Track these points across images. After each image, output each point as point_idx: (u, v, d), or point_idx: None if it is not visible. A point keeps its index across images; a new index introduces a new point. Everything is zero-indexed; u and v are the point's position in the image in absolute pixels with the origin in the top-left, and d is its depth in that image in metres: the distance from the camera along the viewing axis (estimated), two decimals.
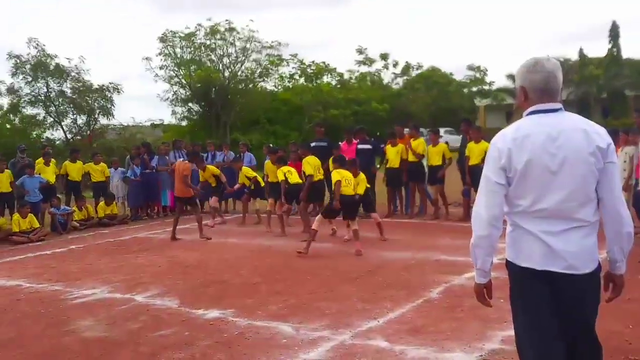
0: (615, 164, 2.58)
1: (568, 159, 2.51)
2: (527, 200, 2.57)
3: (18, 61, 24.21)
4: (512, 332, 2.84)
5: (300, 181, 9.92)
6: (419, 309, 5.54)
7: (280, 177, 9.92)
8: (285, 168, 9.99)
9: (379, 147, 12.04)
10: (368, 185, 9.45)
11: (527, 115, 2.66)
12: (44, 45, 24.40)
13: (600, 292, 2.66)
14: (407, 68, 39.34)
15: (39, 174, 12.06)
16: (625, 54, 46.50)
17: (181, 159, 12.05)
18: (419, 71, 39.55)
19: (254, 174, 11.84)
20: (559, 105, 2.62)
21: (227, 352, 4.64)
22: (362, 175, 9.20)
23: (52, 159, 12.81)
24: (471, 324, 5.02)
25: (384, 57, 37.84)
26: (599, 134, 2.55)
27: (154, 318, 5.68)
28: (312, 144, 12.33)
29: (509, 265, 2.70)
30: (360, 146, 11.68)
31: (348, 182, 8.59)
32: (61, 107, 25.50)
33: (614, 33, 46.11)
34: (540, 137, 2.53)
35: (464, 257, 7.46)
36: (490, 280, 2.77)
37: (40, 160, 12.57)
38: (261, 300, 6.07)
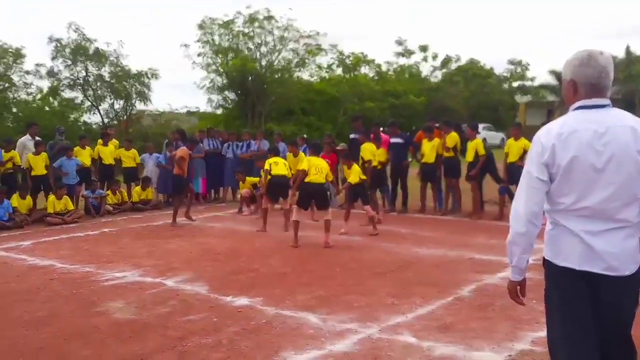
0: None
1: (615, 157, 2.41)
2: (569, 198, 2.48)
3: (58, 45, 24.60)
4: (543, 334, 2.76)
5: (285, 173, 9.65)
6: (449, 306, 5.44)
7: (266, 166, 9.71)
8: (273, 159, 9.79)
9: (411, 140, 11.90)
10: (363, 177, 9.50)
11: (574, 110, 2.56)
12: (83, 29, 24.76)
13: (639, 296, 2.56)
14: (446, 61, 38.73)
15: (76, 156, 12.25)
16: None
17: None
18: (459, 64, 38.90)
19: (257, 179, 11.89)
20: (607, 101, 2.53)
21: (254, 340, 4.63)
22: (355, 167, 9.44)
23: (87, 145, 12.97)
24: (502, 324, 4.91)
25: (424, 49, 37.33)
26: None
27: (183, 303, 5.70)
28: (351, 136, 12.31)
29: (547, 264, 2.61)
30: (392, 140, 11.54)
31: (318, 170, 8.50)
32: (99, 92, 25.84)
33: None
34: (587, 134, 2.44)
35: (497, 257, 7.34)
36: (525, 278, 2.69)
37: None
38: (289, 290, 6.04)
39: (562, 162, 2.46)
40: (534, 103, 43.01)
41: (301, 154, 10.87)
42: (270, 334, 4.76)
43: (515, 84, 40.30)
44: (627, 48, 44.47)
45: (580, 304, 2.49)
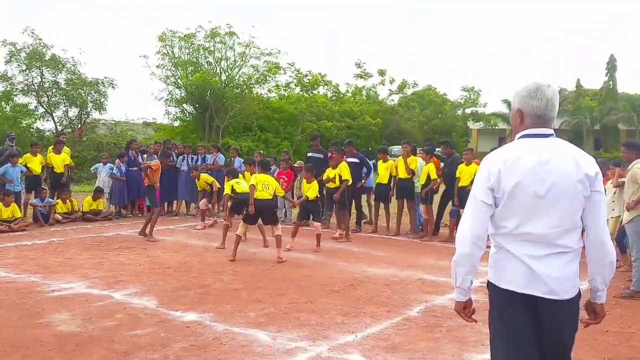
0: (601, 193, 2.59)
1: (556, 185, 2.51)
2: (512, 222, 2.56)
3: (13, 49, 23.99)
4: (488, 356, 2.82)
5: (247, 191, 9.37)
6: (397, 326, 5.51)
7: (227, 190, 9.65)
8: (233, 181, 9.67)
9: (366, 160, 12.04)
10: (318, 195, 9.77)
11: (520, 138, 2.67)
12: (40, 34, 24.28)
13: (579, 320, 2.66)
14: (403, 85, 39.46)
15: (26, 163, 11.92)
16: (621, 88, 47.17)
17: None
18: (415, 89, 39.67)
19: (212, 179, 12.16)
20: (551, 131, 2.64)
21: (202, 356, 4.59)
22: (314, 183, 9.67)
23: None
24: (448, 345, 5.00)
25: (382, 72, 37.96)
26: (588, 162, 2.56)
27: (131, 317, 5.61)
28: (309, 154, 12.41)
29: (490, 286, 2.69)
30: (348, 160, 11.68)
31: (265, 186, 8.63)
32: (54, 98, 25.28)
33: (611, 66, 46.76)
34: (531, 161, 2.54)
35: (446, 278, 7.48)
36: (470, 299, 2.75)
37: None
38: (240, 307, 6.02)
39: (506, 187, 2.54)
40: (486, 130, 44.20)
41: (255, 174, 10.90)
42: (219, 351, 4.73)
43: (468, 111, 41.29)
44: (578, 81, 46.22)
45: (522, 326, 2.57)
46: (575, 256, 2.58)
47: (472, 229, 2.60)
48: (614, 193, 8.12)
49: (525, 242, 2.55)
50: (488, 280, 2.71)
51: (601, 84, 47.22)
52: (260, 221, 9.11)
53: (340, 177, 10.80)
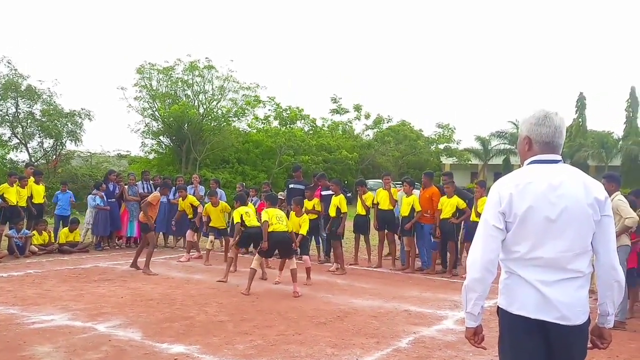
0: (611, 217, 2.64)
1: (568, 209, 2.55)
2: (524, 247, 2.59)
3: None
4: None
5: (258, 224, 9.23)
6: (388, 357, 5.47)
7: (237, 219, 9.48)
8: (242, 209, 9.52)
9: (342, 193, 12.04)
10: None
11: (529, 164, 2.71)
12: (15, 64, 24.06)
13: (587, 346, 2.68)
14: (378, 121, 39.97)
15: (2, 193, 11.69)
16: (590, 125, 48.39)
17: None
18: (390, 124, 40.18)
19: (198, 203, 12.18)
20: (559, 157, 2.69)
21: None
22: (305, 217, 9.71)
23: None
24: None
25: (357, 108, 38.44)
26: (597, 187, 2.62)
27: (116, 349, 5.48)
28: (290, 186, 12.43)
29: (501, 312, 2.69)
30: (323, 192, 11.72)
31: (279, 219, 8.58)
32: (29, 129, 24.96)
33: (580, 104, 48.06)
34: (542, 185, 2.58)
35: (432, 309, 7.51)
36: (481, 325, 2.75)
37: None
38: (227, 339, 5.92)
39: (518, 212, 2.57)
40: (459, 165, 44.81)
41: (250, 204, 10.90)
42: None
43: (441, 146, 41.87)
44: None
45: (533, 351, 2.57)
46: (585, 281, 2.60)
47: (484, 254, 2.61)
48: None
49: (537, 267, 2.57)
50: (498, 306, 2.71)
51: (571, 121, 48.44)
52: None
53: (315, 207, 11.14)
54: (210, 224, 11.45)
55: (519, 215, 2.57)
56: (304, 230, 9.47)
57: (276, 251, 8.71)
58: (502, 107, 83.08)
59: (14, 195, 11.85)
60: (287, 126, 32.17)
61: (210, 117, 28.59)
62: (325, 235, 11.88)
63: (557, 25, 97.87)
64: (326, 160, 32.49)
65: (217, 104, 28.99)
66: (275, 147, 30.15)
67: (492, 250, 2.62)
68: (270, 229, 8.39)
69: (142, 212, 10.32)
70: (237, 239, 9.39)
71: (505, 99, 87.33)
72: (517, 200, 2.58)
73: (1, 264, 10.43)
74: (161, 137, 29.77)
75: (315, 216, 11.06)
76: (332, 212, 10.79)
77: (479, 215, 10.31)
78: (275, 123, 32.69)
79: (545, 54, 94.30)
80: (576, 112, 48.37)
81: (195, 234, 12.08)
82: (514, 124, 44.79)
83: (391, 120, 40.26)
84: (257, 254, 8.63)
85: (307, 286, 8.94)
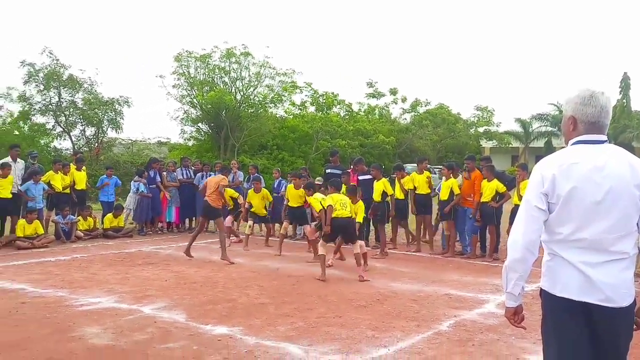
0: None
1: (613, 190, 2.50)
2: (568, 228, 2.55)
3: (31, 69, 24.32)
4: None
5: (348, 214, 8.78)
6: (429, 340, 5.47)
7: (317, 206, 9.23)
8: (319, 196, 9.48)
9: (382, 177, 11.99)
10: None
11: (573, 144, 2.67)
12: (57, 54, 24.58)
13: (633, 328, 2.63)
14: (415, 104, 39.50)
15: (49, 180, 12.05)
16: (635, 106, 46.97)
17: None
18: (427, 108, 39.67)
19: (237, 194, 12.42)
20: (604, 138, 2.64)
21: None
22: (360, 203, 9.67)
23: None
24: (483, 359, 4.95)
25: (393, 92, 38.05)
26: None
27: (162, 330, 5.62)
28: (328, 171, 12.45)
29: (544, 294, 2.67)
30: (360, 177, 11.67)
31: (343, 205, 8.61)
32: (71, 118, 25.54)
33: (625, 84, 46.65)
34: (587, 166, 2.53)
35: (473, 293, 7.47)
36: (521, 305, 2.74)
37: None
38: (269, 321, 6.01)
39: (561, 192, 2.54)
40: (499, 149, 44.09)
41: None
42: None
43: (481, 129, 41.19)
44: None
45: (577, 334, 2.55)
46: (630, 263, 2.56)
47: (525, 235, 2.60)
48: None
49: (581, 249, 2.54)
50: (541, 289, 2.69)
51: (615, 101, 47.09)
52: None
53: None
54: (251, 210, 11.57)
55: (562, 196, 2.54)
56: (359, 218, 9.48)
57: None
58: (543, 88, 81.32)
59: (59, 182, 12.19)
60: (324, 111, 32.09)
61: (247, 104, 28.75)
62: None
63: (600, 2, 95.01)
64: (363, 145, 32.35)
65: (253, 90, 29.13)
66: (311, 132, 30.17)
67: (534, 231, 2.59)
68: (334, 215, 8.47)
69: (214, 196, 9.81)
70: (325, 229, 8.69)
71: (546, 80, 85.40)
72: (560, 181, 2.54)
73: (49, 249, 10.77)
74: (200, 124, 30.08)
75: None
76: (377, 197, 10.74)
77: (521, 198, 10.11)
78: (312, 109, 32.65)
79: (588, 33, 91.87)
80: (620, 93, 46.95)
81: (234, 220, 12.26)
82: (556, 105, 43.75)
83: (429, 103, 39.74)
84: (321, 239, 8.70)
85: (365, 272, 8.55)
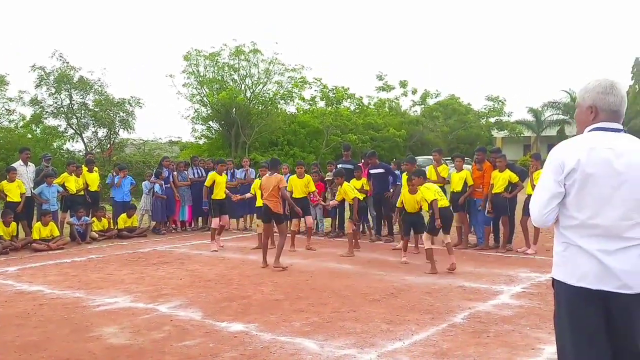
0: None
1: (630, 177, 2.53)
2: (583, 213, 2.58)
3: (42, 73, 24.49)
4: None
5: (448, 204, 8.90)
6: (444, 332, 5.49)
7: (351, 195, 10.04)
8: (347, 185, 10.11)
9: (391, 170, 11.99)
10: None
11: (591, 130, 2.69)
12: (67, 57, 24.68)
13: None
14: (425, 96, 39.30)
15: (63, 183, 12.17)
16: None
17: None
18: (438, 99, 39.46)
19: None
20: (621, 127, 2.68)
21: None
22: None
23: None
24: (498, 350, 4.96)
25: (403, 84, 37.88)
26: None
27: (178, 328, 5.68)
28: (339, 166, 12.46)
29: (557, 285, 2.67)
30: (372, 171, 11.64)
31: (441, 195, 8.69)
32: (83, 120, 25.70)
33: (636, 70, 46.13)
34: (605, 153, 2.56)
35: (487, 285, 7.46)
36: None
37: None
38: (284, 317, 6.05)
39: (578, 177, 2.57)
40: (511, 138, 43.80)
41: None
42: (269, 359, 4.77)
43: (492, 120, 40.89)
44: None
45: (593, 322, 2.55)
46: None
47: (540, 214, 2.68)
48: None
49: (596, 236, 2.55)
50: (553, 279, 2.69)
51: (627, 88, 46.63)
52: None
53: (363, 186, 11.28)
54: (292, 196, 10.44)
55: (579, 180, 2.57)
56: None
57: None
58: (554, 76, 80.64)
59: (73, 183, 12.31)
60: (334, 106, 32.03)
61: (257, 101, 28.80)
62: (374, 213, 11.91)
63: None
64: (374, 139, 32.25)
65: (263, 87, 29.17)
66: (322, 127, 30.16)
67: (550, 211, 2.66)
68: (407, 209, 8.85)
69: (274, 200, 8.85)
70: (356, 215, 10.07)
71: (557, 67, 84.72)
72: (578, 165, 2.57)
73: (65, 251, 10.89)
74: (210, 123, 30.19)
75: (363, 196, 10.99)
76: (458, 187, 10.76)
77: (534, 188, 10.03)
78: (322, 104, 32.60)
79: (598, 19, 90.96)
80: (632, 79, 46.41)
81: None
82: (568, 93, 43.33)
83: (439, 95, 39.51)
84: (425, 233, 8.72)
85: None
